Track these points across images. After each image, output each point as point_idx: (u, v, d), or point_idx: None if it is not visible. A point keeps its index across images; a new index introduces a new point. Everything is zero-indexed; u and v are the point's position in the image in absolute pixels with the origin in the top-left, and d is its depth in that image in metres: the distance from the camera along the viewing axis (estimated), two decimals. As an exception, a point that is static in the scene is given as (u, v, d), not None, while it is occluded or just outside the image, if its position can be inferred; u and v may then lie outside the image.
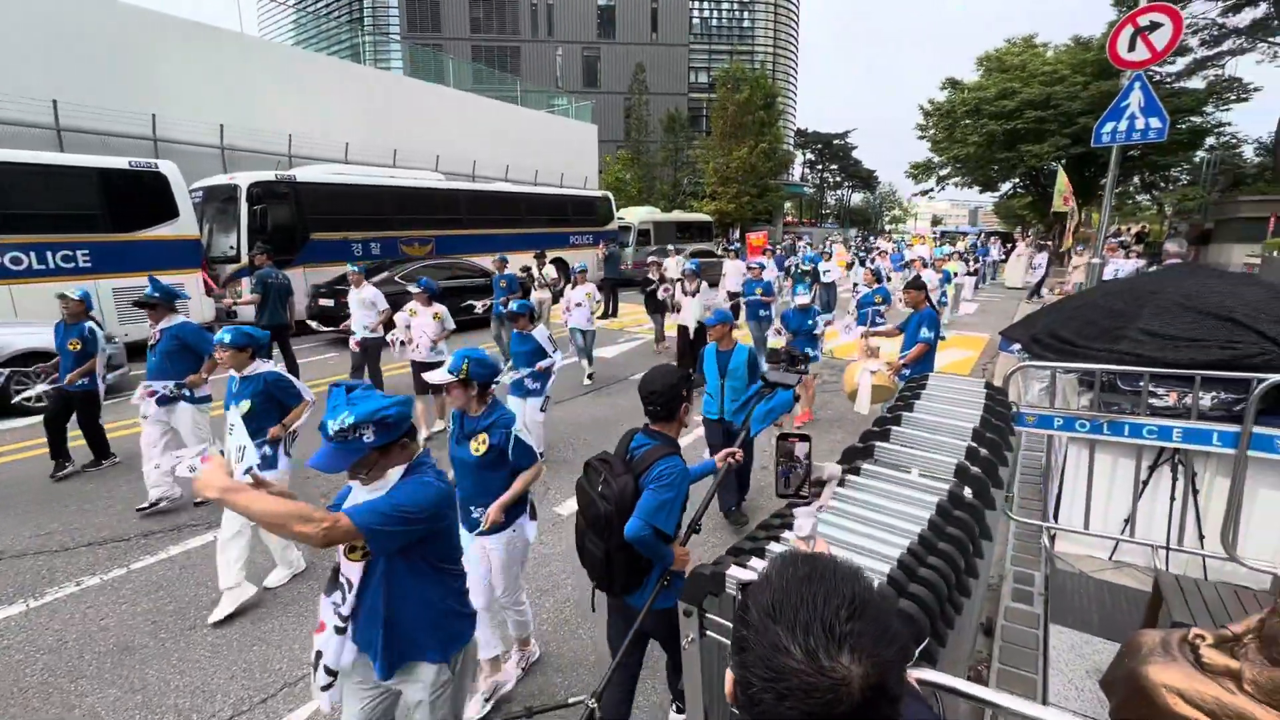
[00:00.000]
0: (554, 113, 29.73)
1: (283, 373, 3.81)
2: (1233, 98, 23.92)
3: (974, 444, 2.66)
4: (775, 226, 44.48)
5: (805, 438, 1.32)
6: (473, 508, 2.85)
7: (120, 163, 9.62)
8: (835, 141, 63.01)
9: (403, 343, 6.29)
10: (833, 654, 0.61)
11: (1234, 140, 28.08)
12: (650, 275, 10.66)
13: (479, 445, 2.75)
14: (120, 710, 2.82)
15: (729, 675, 0.73)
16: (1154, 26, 6.17)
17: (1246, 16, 25.03)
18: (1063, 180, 16.86)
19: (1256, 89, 22.97)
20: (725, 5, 65.54)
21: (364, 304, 6.95)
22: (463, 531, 2.91)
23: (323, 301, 10.96)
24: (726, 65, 44.27)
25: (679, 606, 1.80)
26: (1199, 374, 3.24)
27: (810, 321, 6.70)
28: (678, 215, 27.22)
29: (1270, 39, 24.66)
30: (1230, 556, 3.25)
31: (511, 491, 2.80)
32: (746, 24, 66.71)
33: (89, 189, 9.22)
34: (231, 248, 11.31)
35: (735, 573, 1.67)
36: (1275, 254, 17.05)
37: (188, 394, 4.73)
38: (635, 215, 23.25)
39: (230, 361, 3.64)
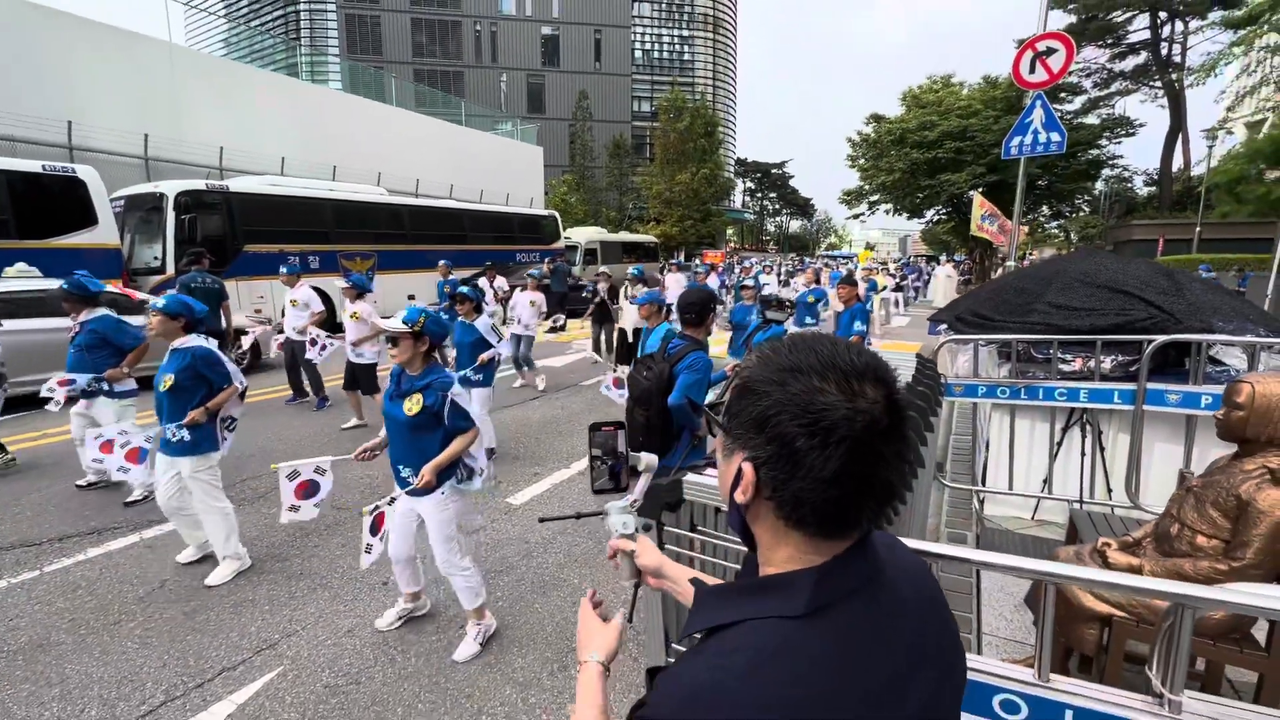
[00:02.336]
0: (499, 135, 29.83)
1: (213, 349, 3.59)
2: (1122, 133, 26.50)
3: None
4: (720, 248, 45.69)
5: (620, 425, 1.28)
6: (401, 467, 2.85)
7: (34, 166, 9.06)
8: (774, 170, 65.75)
9: (315, 343, 6.43)
10: (861, 384, 0.63)
11: (1126, 172, 31.08)
12: (599, 286, 10.80)
13: (412, 405, 2.75)
14: (34, 704, 2.60)
15: (744, 470, 0.65)
16: (1050, 51, 6.85)
17: (1131, 63, 28.01)
18: (978, 206, 18.11)
19: (1142, 125, 25.58)
20: (666, 38, 67.94)
21: (297, 305, 6.87)
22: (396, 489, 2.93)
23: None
24: (668, 95, 45.65)
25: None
26: (1099, 339, 3.60)
27: (753, 317, 6.98)
28: (624, 236, 27.67)
29: (1150, 82, 27.62)
30: (1135, 504, 3.57)
31: (446, 453, 2.79)
32: (687, 57, 69.26)
33: (-2, 193, 8.63)
34: (156, 258, 10.72)
35: (694, 478, 1.76)
36: (1164, 270, 18.85)
37: (106, 387, 4.50)
38: (582, 235, 23.48)
39: (159, 328, 3.44)
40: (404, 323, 2.73)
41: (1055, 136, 6.98)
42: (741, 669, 0.58)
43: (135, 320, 5.84)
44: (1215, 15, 23.45)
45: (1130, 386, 3.53)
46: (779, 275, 21.18)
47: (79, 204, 9.43)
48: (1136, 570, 2.07)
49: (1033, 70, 6.97)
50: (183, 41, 23.79)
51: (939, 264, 28.25)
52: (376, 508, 2.86)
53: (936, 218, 37.89)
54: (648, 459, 1.30)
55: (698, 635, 0.68)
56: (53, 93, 12.98)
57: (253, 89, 17.63)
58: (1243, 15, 21.48)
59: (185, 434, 3.44)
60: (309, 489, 3.21)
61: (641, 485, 1.28)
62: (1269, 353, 3.57)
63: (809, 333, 0.75)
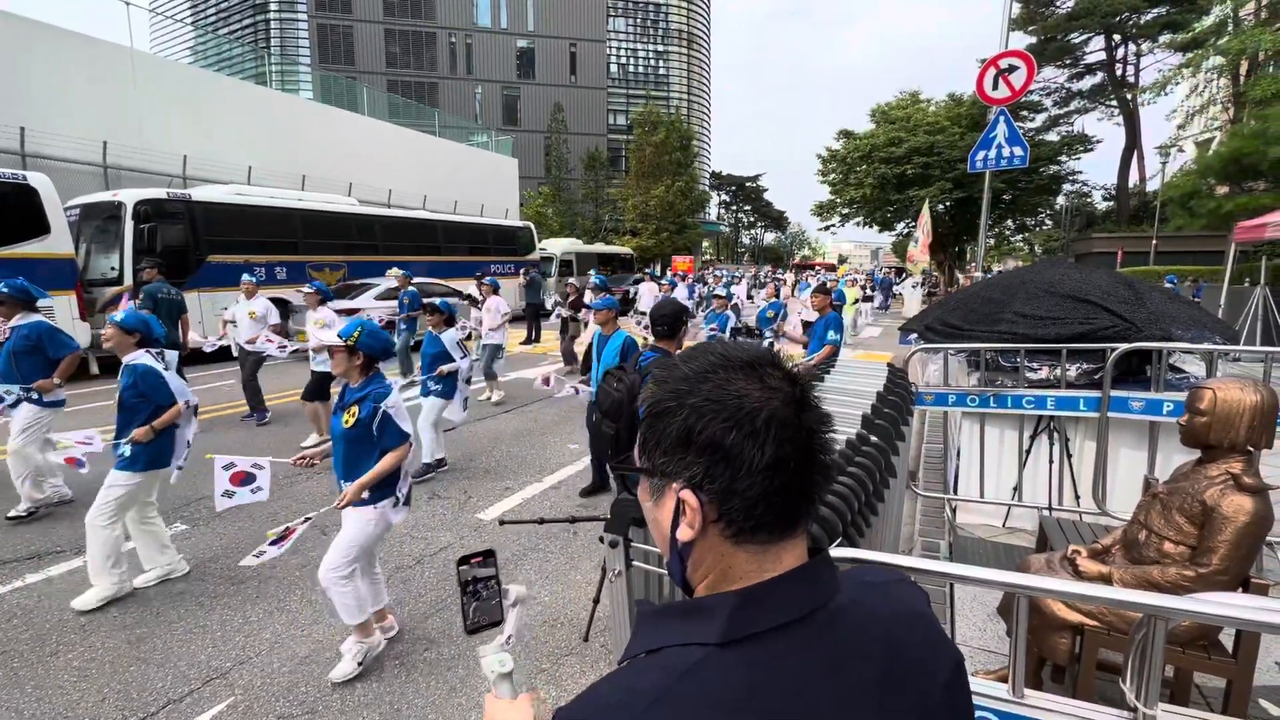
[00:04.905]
0: (474, 146, 29.70)
1: (157, 368, 3.46)
2: (1081, 149, 27.48)
3: (877, 404, 2.85)
4: (688, 258, 46.04)
5: (490, 553, 1.15)
6: (342, 480, 2.77)
7: (-20, 173, 8.69)
8: (748, 184, 66.64)
9: (271, 341, 6.31)
10: (763, 370, 0.63)
11: (1085, 188, 32.22)
12: (567, 293, 10.78)
13: (349, 417, 2.71)
14: (-43, 746, 2.42)
15: (685, 499, 0.60)
16: (1012, 69, 7.05)
17: (1088, 82, 29.13)
18: (927, 219, 18.52)
19: (1099, 141, 26.60)
20: (641, 53, 68.69)
21: (255, 316, 6.73)
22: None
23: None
24: (643, 108, 46.05)
25: (604, 539, 1.81)
26: (1065, 347, 3.66)
27: (726, 322, 7.03)
28: (599, 247, 27.67)
29: (1106, 101, 28.73)
30: (1102, 510, 3.61)
31: (373, 471, 2.69)
32: (662, 71, 70.07)
33: (-60, 200, 8.26)
34: (113, 269, 10.36)
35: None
36: (1123, 282, 19.53)
37: (35, 397, 4.32)
38: (558, 246, 23.42)
39: (114, 340, 3.35)
40: (340, 336, 2.70)
41: (1018, 151, 7.18)
42: (649, 692, 0.54)
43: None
44: (1165, 38, 24.55)
45: (1095, 394, 3.58)
46: (746, 289, 21.40)
47: (30, 212, 9.08)
48: (1106, 578, 2.06)
49: (995, 87, 7.16)
50: (148, 48, 23.23)
51: (908, 275, 28.83)
52: (287, 528, 2.73)
53: (906, 230, 38.76)
54: (517, 590, 1.19)
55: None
56: (5, 98, 12.51)
57: (219, 96, 17.24)
58: (1189, 38, 22.55)
59: (126, 449, 3.31)
60: (245, 479, 3.12)
61: (514, 620, 1.14)
62: (1225, 360, 3.66)
63: (698, 344, 0.73)
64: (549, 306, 16.22)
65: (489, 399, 8.26)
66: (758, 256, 71.94)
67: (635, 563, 1.77)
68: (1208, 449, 1.96)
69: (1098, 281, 3.99)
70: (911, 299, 23.52)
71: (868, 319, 18.55)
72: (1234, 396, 1.88)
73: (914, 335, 4.62)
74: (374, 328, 2.75)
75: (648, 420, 0.65)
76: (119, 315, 3.39)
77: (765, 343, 7.71)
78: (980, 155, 7.42)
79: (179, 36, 47.87)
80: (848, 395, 2.90)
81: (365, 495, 2.71)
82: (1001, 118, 7.28)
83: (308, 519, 2.75)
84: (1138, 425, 3.60)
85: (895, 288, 27.64)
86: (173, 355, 3.67)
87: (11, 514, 4.38)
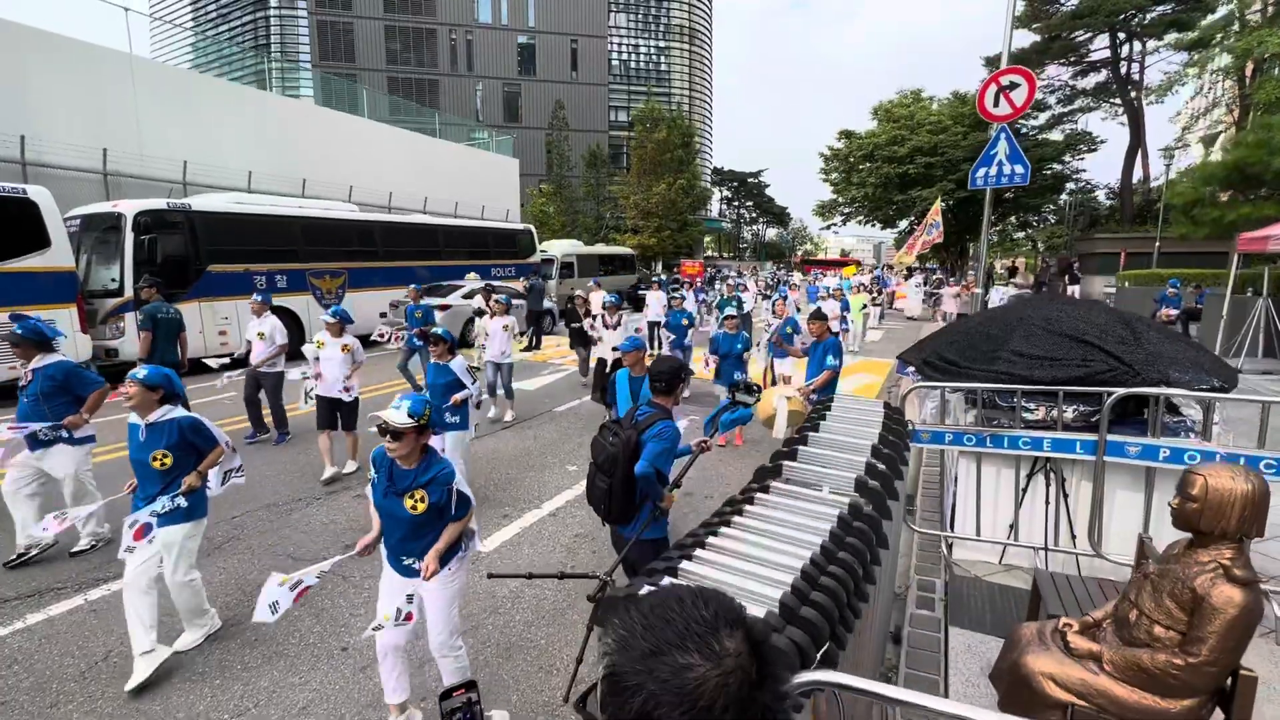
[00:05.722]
0: (474, 146, 29.62)
1: (197, 416, 3.49)
2: (1085, 149, 27.32)
3: (872, 459, 2.84)
4: (698, 258, 45.93)
5: (471, 684, 1.23)
6: (404, 557, 2.70)
7: (-20, 187, 8.70)
8: (750, 180, 66.36)
9: (316, 378, 6.01)
10: (720, 639, 0.64)
11: (1089, 186, 32.06)
12: (575, 309, 10.72)
13: (416, 503, 2.59)
14: (-42, 808, 2.45)
15: None
16: (1013, 86, 7.00)
17: (1092, 80, 28.92)
18: (939, 215, 18.35)
19: (1103, 141, 26.43)
20: (643, 48, 68.33)
21: (263, 338, 6.72)
22: (389, 571, 2.79)
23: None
24: (644, 105, 45.81)
25: (593, 629, 1.81)
26: (1062, 389, 3.65)
27: (739, 345, 6.99)
28: (600, 249, 27.59)
29: (1110, 100, 28.54)
30: (1096, 553, 3.62)
31: (445, 539, 2.67)
32: (663, 67, 69.72)
33: (-59, 216, 8.27)
34: (114, 280, 10.38)
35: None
36: (1126, 284, 19.43)
37: (65, 435, 4.33)
38: (558, 248, 23.36)
39: (136, 400, 3.26)
40: (410, 415, 2.54)
41: (1019, 169, 7.14)
42: None
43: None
44: (1171, 37, 24.33)
45: (1092, 437, 3.58)
46: (758, 291, 21.24)
47: (31, 225, 9.08)
48: (1097, 657, 2.07)
49: (996, 104, 7.12)
50: (147, 54, 23.18)
51: (910, 274, 28.71)
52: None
53: (909, 228, 38.66)
54: (500, 717, 1.25)
55: None
56: (4, 106, 12.51)
57: (218, 101, 17.21)
58: (1195, 37, 22.35)
59: (181, 501, 3.31)
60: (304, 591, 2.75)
61: None
62: (1222, 404, 3.65)
63: (661, 596, 0.73)
64: (548, 306, 16.22)
65: (499, 418, 8.22)
66: (760, 252, 71.70)
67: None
68: (1199, 533, 1.96)
69: (1095, 320, 3.98)
70: (914, 298, 23.42)
71: (875, 323, 18.45)
72: (1225, 485, 1.87)
73: (910, 369, 4.61)
74: (436, 403, 2.71)
75: (608, 686, 0.67)
76: (141, 372, 3.32)
77: (765, 359, 7.66)
78: (981, 172, 7.38)
79: (178, 40, 47.72)
80: (840, 452, 2.90)
81: (439, 568, 2.66)
82: (1003, 134, 7.24)
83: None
84: (1134, 467, 3.59)
85: (895, 286, 27.57)
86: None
87: (75, 549, 4.45)
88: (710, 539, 2.02)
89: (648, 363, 4.77)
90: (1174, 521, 2.02)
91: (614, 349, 7.80)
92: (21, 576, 4.18)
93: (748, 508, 2.28)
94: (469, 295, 13.56)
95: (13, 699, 3.04)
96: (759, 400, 3.18)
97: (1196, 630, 1.86)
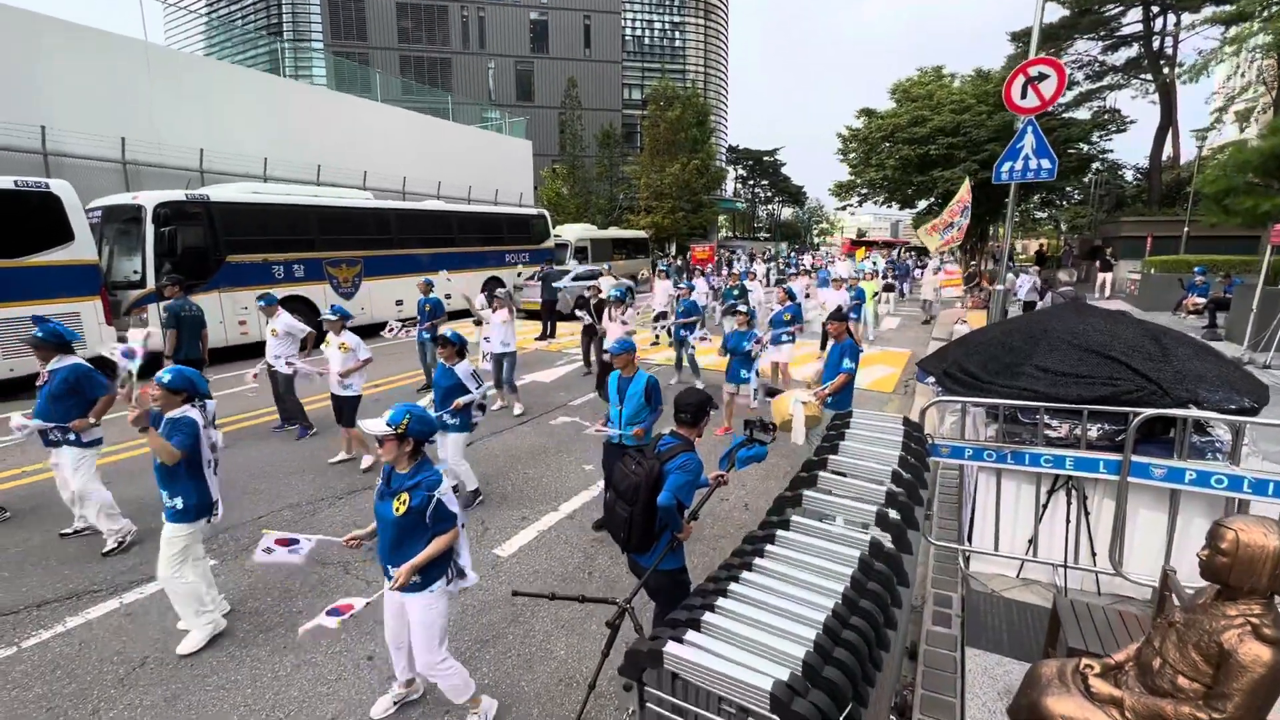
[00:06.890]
0: (487, 127, 29.40)
1: (193, 418, 3.55)
2: (1113, 128, 26.47)
3: (893, 486, 2.84)
4: (710, 241, 45.42)
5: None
6: (390, 566, 2.79)
7: (5, 183, 8.80)
8: (765, 158, 65.18)
9: (320, 374, 6.29)
10: None
11: (1117, 165, 31.13)
12: (586, 295, 10.72)
13: (400, 505, 2.71)
14: (10, 816, 2.57)
15: None
16: (1042, 77, 6.79)
17: (1122, 55, 27.92)
18: (968, 199, 17.76)
19: (1132, 122, 25.58)
20: (657, 24, 66.96)
21: (278, 334, 6.89)
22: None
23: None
24: (658, 83, 44.98)
25: (622, 678, 1.84)
26: (1086, 408, 3.59)
27: (746, 344, 6.96)
28: (614, 232, 27.43)
29: (1142, 75, 27.56)
30: (1117, 572, 3.59)
31: (423, 554, 2.73)
32: (678, 44, 68.32)
33: (-32, 211, 8.40)
34: (136, 272, 10.54)
35: (672, 649, 1.73)
36: (1152, 271, 18.95)
37: (73, 438, 4.53)
38: (572, 232, 23.27)
39: (160, 401, 3.45)
40: (388, 424, 2.67)
41: (1045, 164, 6.96)
42: None
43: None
44: (1208, 10, 23.34)
45: (1116, 457, 3.53)
46: (766, 278, 21.02)
47: (54, 219, 9.21)
48: (1118, 703, 2.07)
49: (1024, 95, 6.92)
50: (161, 39, 23.17)
51: (929, 259, 28.19)
52: (348, 605, 2.74)
53: (928, 209, 37.88)
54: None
55: None
56: (24, 97, 12.62)
57: (233, 88, 17.23)
58: (1234, 10, 21.39)
59: (179, 502, 3.51)
60: (288, 544, 3.12)
61: None
62: (1253, 427, 3.57)
63: None
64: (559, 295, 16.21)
65: (508, 409, 8.29)
66: (775, 232, 70.75)
67: (649, 705, 1.81)
68: (1228, 586, 1.94)
69: (1123, 335, 3.90)
70: (933, 283, 23.01)
71: (889, 307, 18.25)
72: (1258, 541, 1.84)
73: (931, 379, 4.56)
74: (421, 412, 2.75)
75: None
76: (166, 377, 3.45)
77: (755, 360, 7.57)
78: (1006, 166, 7.21)
79: (191, 25, 47.51)
80: (862, 477, 2.89)
81: (417, 579, 2.74)
82: (1030, 127, 7.04)
83: (368, 602, 2.76)
84: (1158, 488, 3.54)
85: (916, 272, 27.09)
86: (213, 405, 3.81)
87: (106, 550, 4.63)
88: (732, 585, 2.03)
89: (656, 354, 4.81)
90: (1202, 573, 2.00)
91: (604, 351, 7.74)
92: (59, 577, 4.33)
93: (769, 548, 2.28)
94: (580, 278, 16.55)
95: (57, 705, 3.17)
96: (774, 441, 3.17)
97: (1222, 686, 1.85)
